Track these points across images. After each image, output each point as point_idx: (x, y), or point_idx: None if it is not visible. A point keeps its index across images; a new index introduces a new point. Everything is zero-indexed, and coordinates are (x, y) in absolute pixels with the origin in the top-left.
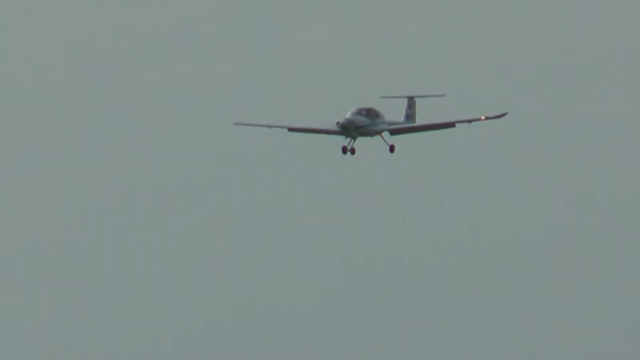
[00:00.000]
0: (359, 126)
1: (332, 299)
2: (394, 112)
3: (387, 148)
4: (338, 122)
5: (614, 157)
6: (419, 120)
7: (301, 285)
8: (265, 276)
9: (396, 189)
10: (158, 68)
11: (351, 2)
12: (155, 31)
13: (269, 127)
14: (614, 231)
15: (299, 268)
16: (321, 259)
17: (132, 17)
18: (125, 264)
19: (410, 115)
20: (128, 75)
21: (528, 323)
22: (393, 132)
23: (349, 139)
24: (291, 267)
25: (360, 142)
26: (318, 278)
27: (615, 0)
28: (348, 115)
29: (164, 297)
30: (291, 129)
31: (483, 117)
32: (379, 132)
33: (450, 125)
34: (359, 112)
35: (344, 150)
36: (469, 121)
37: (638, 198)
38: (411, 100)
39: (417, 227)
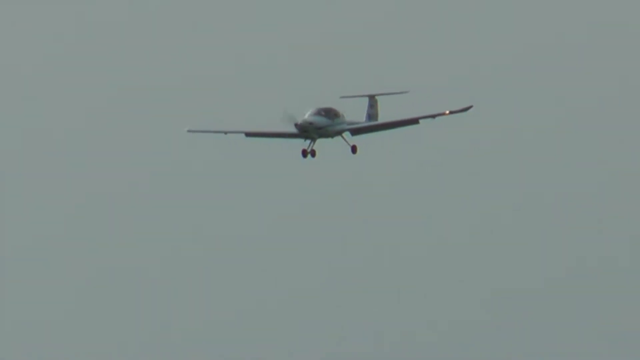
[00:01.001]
0: (318, 127)
1: (294, 304)
2: (355, 112)
3: (349, 149)
4: (296, 124)
5: (579, 151)
6: (382, 119)
7: (264, 291)
8: (223, 285)
9: (359, 191)
10: (109, 73)
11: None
12: (107, 36)
13: (225, 133)
14: (574, 224)
15: (260, 275)
16: (285, 265)
17: (73, 23)
18: (80, 273)
19: (372, 115)
20: (77, 82)
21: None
22: (354, 132)
23: (308, 141)
24: (253, 274)
25: (321, 144)
26: (280, 284)
27: None
28: (306, 116)
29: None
30: (248, 134)
31: (447, 112)
32: (339, 133)
33: (414, 121)
34: (318, 113)
35: (304, 153)
36: (433, 116)
37: (591, 191)
38: (372, 99)
39: (382, 231)
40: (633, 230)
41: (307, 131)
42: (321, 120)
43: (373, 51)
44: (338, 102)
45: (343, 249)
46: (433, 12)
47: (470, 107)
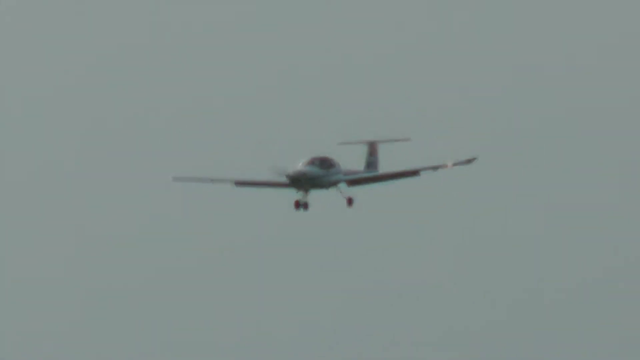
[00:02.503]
0: (311, 178)
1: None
2: (354, 160)
3: (345, 201)
4: (287, 175)
5: (588, 206)
6: (382, 168)
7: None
8: (213, 343)
9: (354, 247)
10: (89, 118)
11: (303, 37)
12: (87, 76)
13: (213, 181)
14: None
15: (250, 333)
16: (278, 321)
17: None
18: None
19: (371, 163)
20: (58, 127)
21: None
22: (351, 183)
23: (301, 192)
24: (243, 332)
25: (315, 196)
26: (270, 340)
27: (576, 40)
28: (299, 166)
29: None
30: (238, 183)
31: (449, 164)
32: (334, 184)
33: (414, 173)
34: (312, 162)
35: (297, 205)
36: (434, 168)
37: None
38: (372, 145)
39: (376, 289)
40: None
41: (299, 182)
42: (314, 171)
43: (374, 95)
44: (336, 149)
45: (334, 306)
46: (439, 55)
47: (474, 159)
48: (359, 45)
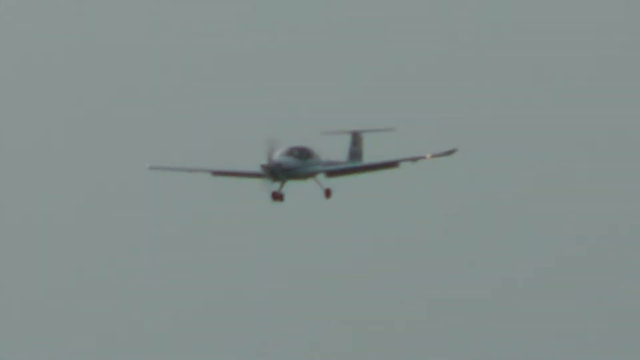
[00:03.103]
0: (287, 169)
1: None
2: (338, 150)
3: (323, 192)
4: (262, 165)
5: (572, 198)
6: (366, 158)
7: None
8: (181, 338)
9: (330, 239)
10: (66, 105)
11: (285, 24)
12: (60, 66)
13: (190, 171)
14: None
15: (222, 329)
16: (251, 316)
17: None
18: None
19: (355, 153)
20: (31, 112)
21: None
22: (329, 174)
23: (278, 183)
24: (215, 327)
25: (292, 187)
26: (244, 334)
27: (567, 33)
28: (275, 156)
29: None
30: (216, 173)
31: (429, 155)
32: (312, 175)
33: (393, 165)
34: (290, 152)
35: (274, 196)
36: (414, 159)
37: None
38: (356, 135)
39: (351, 285)
40: None
41: (274, 173)
42: (291, 162)
43: (358, 84)
44: (319, 139)
45: (309, 300)
46: (426, 44)
47: (455, 150)
48: (341, 31)
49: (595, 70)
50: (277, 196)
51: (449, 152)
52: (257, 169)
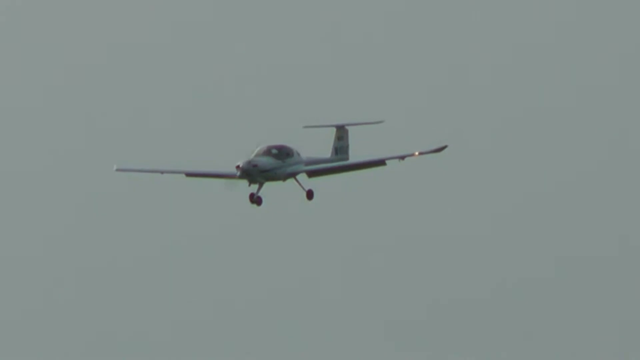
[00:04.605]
0: (264, 170)
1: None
2: (321, 146)
3: (304, 194)
4: (237, 166)
5: (560, 196)
6: (352, 154)
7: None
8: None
9: (312, 245)
10: (35, 107)
11: (269, 17)
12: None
13: (162, 172)
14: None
15: (196, 328)
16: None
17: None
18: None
19: (340, 149)
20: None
21: None
22: (311, 174)
23: (256, 185)
24: (189, 327)
25: (271, 189)
26: (223, 339)
27: (560, 29)
28: (252, 155)
29: None
30: (189, 174)
31: (417, 153)
32: (291, 175)
33: (380, 163)
34: (268, 151)
35: (252, 198)
36: (401, 157)
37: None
38: (341, 129)
39: (342, 294)
40: None
41: (251, 175)
42: (268, 162)
43: (342, 75)
44: (300, 133)
45: (286, 305)
46: (416, 34)
47: (445, 147)
48: (328, 23)
49: (581, 66)
50: (255, 199)
51: (439, 149)
52: (232, 170)
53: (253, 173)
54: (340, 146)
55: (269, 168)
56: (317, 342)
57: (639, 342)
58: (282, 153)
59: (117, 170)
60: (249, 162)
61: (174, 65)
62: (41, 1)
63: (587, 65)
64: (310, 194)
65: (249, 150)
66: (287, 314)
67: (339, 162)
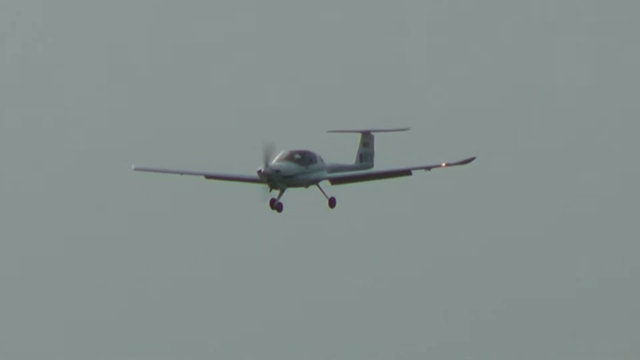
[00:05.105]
0: (287, 176)
1: None
2: (345, 152)
3: (326, 202)
4: (259, 171)
5: (587, 210)
6: (377, 161)
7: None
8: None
9: (333, 254)
10: (48, 106)
11: (293, 18)
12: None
13: (182, 173)
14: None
15: (213, 333)
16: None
17: None
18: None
19: (365, 156)
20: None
21: None
22: (334, 181)
23: (277, 190)
24: (206, 332)
25: (292, 195)
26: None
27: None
28: (274, 160)
29: None
30: (209, 176)
31: (444, 164)
32: (314, 182)
33: (405, 173)
34: (290, 157)
35: (272, 204)
36: (428, 168)
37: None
38: (367, 135)
39: (363, 304)
40: None
41: (272, 180)
42: (291, 168)
43: (370, 79)
44: (324, 138)
45: (306, 317)
46: (448, 40)
47: (473, 159)
48: (357, 26)
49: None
50: (276, 206)
51: (467, 161)
52: (253, 174)
53: (275, 178)
54: (366, 153)
55: (292, 174)
56: (336, 352)
57: None
58: (305, 159)
59: (136, 169)
60: (271, 167)
61: (199, 65)
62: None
63: (619, 78)
64: (332, 202)
65: (271, 155)
66: (306, 323)
67: (363, 171)
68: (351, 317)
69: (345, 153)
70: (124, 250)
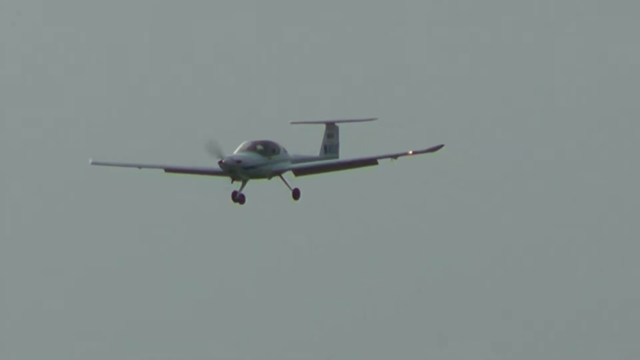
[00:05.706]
0: (248, 167)
1: None
2: (309, 143)
3: (290, 193)
4: (220, 162)
5: (552, 197)
6: (342, 154)
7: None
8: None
9: (297, 247)
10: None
11: (260, 11)
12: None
13: (140, 167)
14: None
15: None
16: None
17: None
18: None
19: (330, 147)
20: None
21: None
22: (298, 172)
23: (239, 182)
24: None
25: (255, 187)
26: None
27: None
28: (236, 151)
29: None
30: (168, 170)
31: (410, 152)
32: (277, 173)
33: (371, 162)
34: (252, 147)
35: (234, 196)
36: (394, 157)
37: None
38: (331, 126)
39: (328, 300)
40: None
41: (234, 171)
42: (252, 158)
43: (333, 70)
44: (287, 130)
45: (270, 307)
46: (410, 30)
47: (441, 146)
48: (321, 18)
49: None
50: (238, 198)
51: (435, 149)
52: (215, 166)
53: (236, 169)
54: (330, 144)
55: (254, 165)
56: (298, 342)
57: None
58: (268, 149)
59: (93, 163)
60: (232, 158)
61: (159, 57)
62: None
63: (587, 67)
64: (296, 194)
65: (232, 146)
66: (268, 314)
67: (327, 161)
68: (314, 309)
69: (309, 145)
70: (81, 247)
